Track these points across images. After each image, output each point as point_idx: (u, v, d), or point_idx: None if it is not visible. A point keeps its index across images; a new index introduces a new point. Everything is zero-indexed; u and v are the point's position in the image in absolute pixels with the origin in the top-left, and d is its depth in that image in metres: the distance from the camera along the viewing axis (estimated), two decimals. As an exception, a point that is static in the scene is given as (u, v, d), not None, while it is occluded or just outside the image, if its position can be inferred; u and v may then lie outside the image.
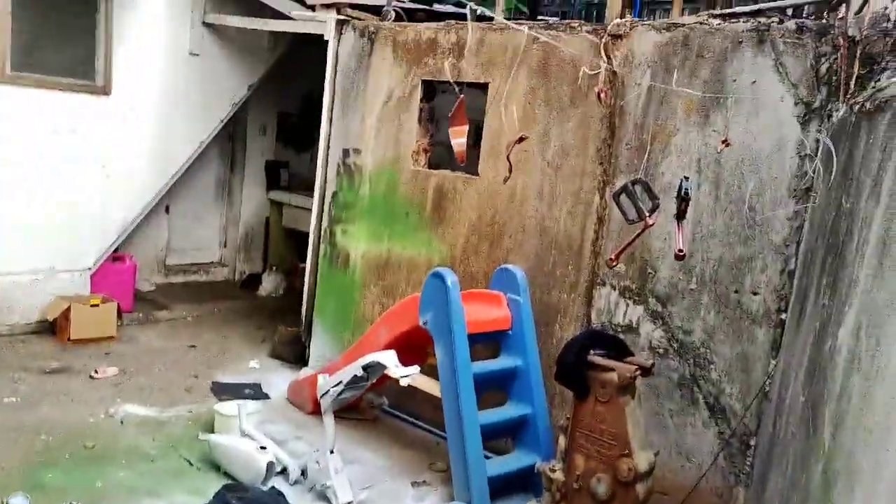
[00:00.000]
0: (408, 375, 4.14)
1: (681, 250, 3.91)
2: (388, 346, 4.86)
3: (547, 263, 5.13)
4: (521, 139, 4.74)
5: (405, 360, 4.38)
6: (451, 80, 5.46)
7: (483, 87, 5.47)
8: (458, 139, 5.33)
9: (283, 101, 9.32)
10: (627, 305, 4.79)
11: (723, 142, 4.27)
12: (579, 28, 5.01)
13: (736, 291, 4.35)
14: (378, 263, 6.06)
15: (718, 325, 4.42)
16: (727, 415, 4.39)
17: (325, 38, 6.24)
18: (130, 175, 7.14)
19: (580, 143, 4.95)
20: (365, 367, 4.21)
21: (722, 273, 4.39)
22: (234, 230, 9.46)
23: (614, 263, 4.39)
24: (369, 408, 5.69)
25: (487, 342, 4.93)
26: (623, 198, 4.14)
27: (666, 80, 4.57)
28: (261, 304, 8.53)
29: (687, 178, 4.06)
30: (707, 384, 4.46)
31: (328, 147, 6.38)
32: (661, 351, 4.62)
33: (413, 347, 4.89)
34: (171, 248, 8.86)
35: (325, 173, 6.41)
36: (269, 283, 8.89)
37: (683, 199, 3.92)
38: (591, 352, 4.06)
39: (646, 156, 4.65)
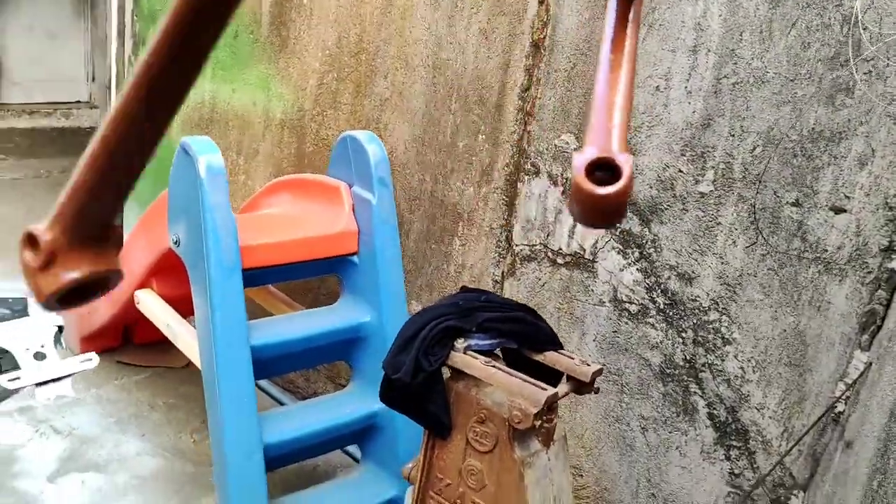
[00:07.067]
0: (56, 379, 1.97)
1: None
2: (147, 277, 2.73)
3: (443, 129, 2.79)
4: None
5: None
6: None
7: None
8: None
9: None
10: (578, 216, 2.49)
11: None
12: None
13: (796, 204, 2.03)
14: (200, 118, 3.73)
15: (751, 271, 2.14)
16: (751, 444, 2.21)
17: None
18: None
19: None
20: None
21: (772, 164, 2.05)
22: (104, 58, 7.04)
23: None
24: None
25: (313, 278, 2.72)
26: None
27: None
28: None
29: None
30: (717, 382, 2.26)
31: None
32: (632, 309, 2.39)
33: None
34: (7, 80, 6.55)
35: (121, -37, 3.94)
36: (143, 134, 6.57)
37: None
38: (462, 342, 1.84)
39: None
